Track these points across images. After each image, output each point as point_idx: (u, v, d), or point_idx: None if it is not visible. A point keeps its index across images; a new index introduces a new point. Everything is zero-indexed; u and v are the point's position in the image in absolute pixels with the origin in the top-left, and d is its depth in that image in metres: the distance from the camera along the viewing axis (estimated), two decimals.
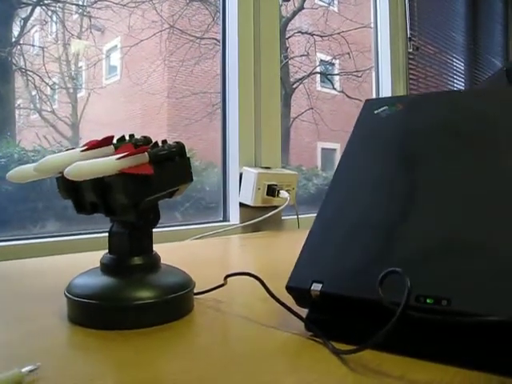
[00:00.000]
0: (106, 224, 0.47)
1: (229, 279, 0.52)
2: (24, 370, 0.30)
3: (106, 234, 0.46)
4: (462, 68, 2.52)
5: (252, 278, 0.48)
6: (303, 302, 0.41)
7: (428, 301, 0.33)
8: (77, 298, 0.43)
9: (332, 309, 0.38)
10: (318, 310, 0.39)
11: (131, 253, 0.45)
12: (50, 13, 1.11)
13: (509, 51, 3.00)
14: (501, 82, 1.22)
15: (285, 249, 0.99)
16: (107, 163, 0.41)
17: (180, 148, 0.48)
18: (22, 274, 0.67)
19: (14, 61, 1.04)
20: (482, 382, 0.30)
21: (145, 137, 0.48)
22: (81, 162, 0.40)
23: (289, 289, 0.40)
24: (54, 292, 0.51)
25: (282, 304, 0.42)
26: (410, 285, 0.33)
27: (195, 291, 0.49)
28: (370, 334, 0.32)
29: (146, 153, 0.43)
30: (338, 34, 1.88)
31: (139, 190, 0.43)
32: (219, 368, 0.33)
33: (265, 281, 0.46)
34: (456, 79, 2.44)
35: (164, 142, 0.48)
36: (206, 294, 0.51)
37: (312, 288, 0.38)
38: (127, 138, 0.48)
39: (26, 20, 1.07)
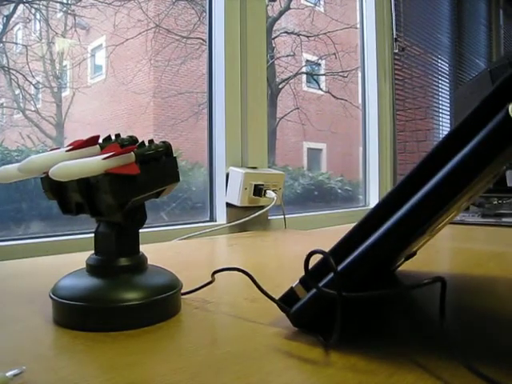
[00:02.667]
0: (93, 224, 0.47)
1: (216, 279, 0.51)
2: (9, 373, 0.30)
3: (92, 235, 0.46)
4: (447, 69, 2.54)
5: (239, 278, 0.48)
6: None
7: None
8: (62, 300, 0.42)
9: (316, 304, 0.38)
10: (303, 307, 0.39)
11: (117, 254, 0.44)
12: (33, 10, 1.09)
13: (492, 52, 3.04)
14: (485, 83, 1.24)
15: (272, 249, 0.99)
16: (93, 163, 0.40)
17: (166, 148, 0.48)
18: (6, 276, 0.66)
19: None
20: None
21: (131, 136, 0.48)
22: (66, 162, 0.39)
23: (279, 301, 0.40)
24: (39, 293, 0.51)
25: (271, 298, 0.42)
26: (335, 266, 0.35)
27: (182, 291, 0.48)
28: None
29: (132, 152, 0.43)
30: (324, 34, 1.88)
31: (125, 189, 0.42)
32: (209, 369, 0.33)
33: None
34: (441, 80, 2.47)
35: (150, 141, 0.47)
36: (193, 295, 0.51)
37: (293, 286, 0.39)
38: (113, 137, 0.48)
39: (8, 18, 1.05)
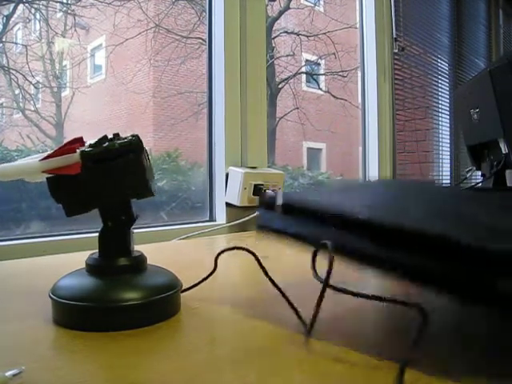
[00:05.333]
0: (92, 224, 0.47)
1: (216, 279, 0.51)
2: (8, 373, 0.29)
3: (91, 235, 0.46)
4: (447, 69, 2.54)
5: (239, 278, 0.48)
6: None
7: None
8: (62, 300, 0.42)
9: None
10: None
11: (102, 254, 0.45)
12: (33, 10, 1.09)
13: (492, 52, 3.04)
14: (484, 82, 1.23)
15: (272, 248, 0.98)
16: (27, 165, 0.42)
17: (129, 145, 0.44)
18: (5, 276, 0.66)
19: None
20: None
21: (132, 135, 0.47)
22: (5, 164, 0.42)
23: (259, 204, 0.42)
24: (38, 293, 0.51)
25: (276, 286, 0.42)
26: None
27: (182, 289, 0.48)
28: None
29: (76, 152, 0.43)
30: (324, 34, 1.88)
31: (64, 190, 0.43)
32: (208, 368, 0.33)
33: (254, 280, 0.46)
34: (440, 80, 2.47)
35: (110, 139, 0.45)
36: (193, 294, 0.51)
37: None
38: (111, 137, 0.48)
39: (8, 17, 1.05)
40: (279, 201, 0.41)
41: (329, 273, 0.36)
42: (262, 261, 0.45)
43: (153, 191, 0.45)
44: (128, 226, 0.46)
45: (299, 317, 0.40)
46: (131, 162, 0.43)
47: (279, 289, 0.41)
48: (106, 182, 0.44)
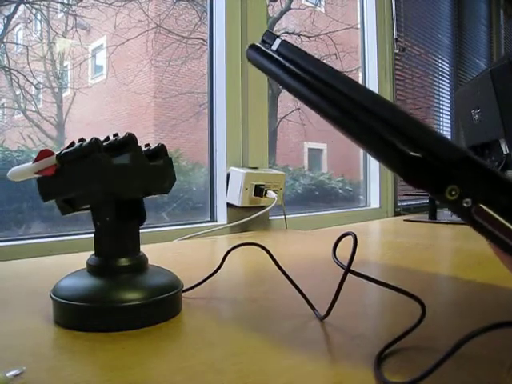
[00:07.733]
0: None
1: (218, 278, 0.51)
2: (9, 374, 0.29)
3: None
4: (448, 69, 2.54)
5: (240, 278, 0.47)
6: None
7: None
8: (63, 300, 0.42)
9: None
10: None
11: (98, 253, 0.45)
12: (34, 11, 1.09)
13: (493, 52, 3.04)
14: (485, 83, 1.23)
15: (273, 249, 0.98)
16: (25, 168, 0.46)
17: (89, 146, 0.43)
18: (8, 276, 0.66)
19: None
20: None
21: (129, 134, 0.47)
22: (17, 166, 0.46)
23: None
24: (40, 294, 0.51)
25: (287, 276, 0.42)
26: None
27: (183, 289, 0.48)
28: None
29: (54, 156, 0.44)
30: (325, 34, 1.88)
31: (45, 190, 0.46)
32: (209, 369, 0.33)
33: (255, 280, 0.46)
34: (442, 80, 2.47)
35: (80, 140, 0.45)
36: (194, 294, 0.51)
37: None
38: (111, 137, 0.48)
39: (9, 18, 1.05)
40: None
41: (351, 258, 0.38)
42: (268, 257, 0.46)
43: (116, 192, 0.44)
44: (114, 228, 0.45)
45: (313, 308, 0.41)
46: (94, 162, 0.43)
47: (293, 282, 0.41)
48: (74, 182, 0.45)
